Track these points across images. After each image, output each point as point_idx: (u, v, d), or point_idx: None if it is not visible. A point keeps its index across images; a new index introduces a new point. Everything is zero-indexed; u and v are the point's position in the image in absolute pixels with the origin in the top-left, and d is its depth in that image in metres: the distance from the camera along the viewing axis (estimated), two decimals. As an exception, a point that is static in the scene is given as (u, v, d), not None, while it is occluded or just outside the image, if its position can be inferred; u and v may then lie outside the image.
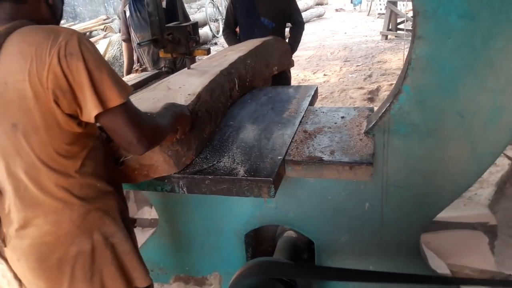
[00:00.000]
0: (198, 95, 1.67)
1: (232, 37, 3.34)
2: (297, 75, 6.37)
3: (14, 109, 1.03)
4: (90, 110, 1.04)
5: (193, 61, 2.21)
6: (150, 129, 1.16)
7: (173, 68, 2.97)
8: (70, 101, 1.04)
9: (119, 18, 3.54)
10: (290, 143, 1.60)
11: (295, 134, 1.68)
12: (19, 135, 1.05)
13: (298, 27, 3.31)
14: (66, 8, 9.50)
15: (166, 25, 1.93)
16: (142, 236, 2.50)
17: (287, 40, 3.24)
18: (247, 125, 1.83)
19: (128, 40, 3.42)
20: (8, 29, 1.03)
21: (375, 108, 1.85)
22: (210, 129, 1.72)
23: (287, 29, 3.44)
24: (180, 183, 1.46)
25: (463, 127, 1.43)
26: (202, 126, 1.63)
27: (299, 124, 1.77)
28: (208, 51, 2.06)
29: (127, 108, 1.09)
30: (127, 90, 1.09)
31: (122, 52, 6.14)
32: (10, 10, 1.08)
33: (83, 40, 1.03)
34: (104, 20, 9.58)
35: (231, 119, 1.91)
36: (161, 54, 2.08)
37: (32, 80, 1.00)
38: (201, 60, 2.52)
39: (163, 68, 2.62)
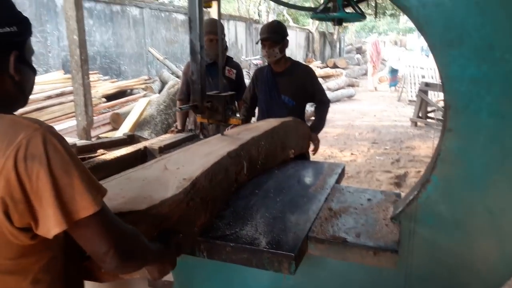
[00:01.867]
0: (194, 182, 1.46)
1: (243, 111, 3.33)
2: (324, 151, 6.44)
3: None
4: (50, 227, 0.85)
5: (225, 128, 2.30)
6: (129, 239, 1.00)
7: None
8: (23, 213, 0.85)
9: (188, 79, 3.60)
10: (315, 219, 1.60)
11: (320, 210, 1.68)
12: None
13: (323, 105, 3.27)
14: (112, 65, 10.18)
15: (207, 93, 2.04)
16: (153, 297, 2.45)
17: (313, 119, 3.27)
18: (273, 196, 1.85)
19: (185, 100, 3.52)
20: None
21: (402, 194, 1.85)
22: (204, 219, 1.51)
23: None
24: (201, 246, 1.47)
25: (491, 224, 1.41)
26: (192, 218, 1.43)
27: (325, 201, 1.78)
28: (242, 121, 2.15)
29: (102, 216, 0.91)
30: (102, 192, 0.93)
31: (159, 112, 6.45)
32: None
33: (49, 137, 0.85)
34: (146, 80, 10.15)
35: (257, 187, 1.94)
36: (198, 119, 2.19)
37: None
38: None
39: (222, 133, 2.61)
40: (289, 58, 3.17)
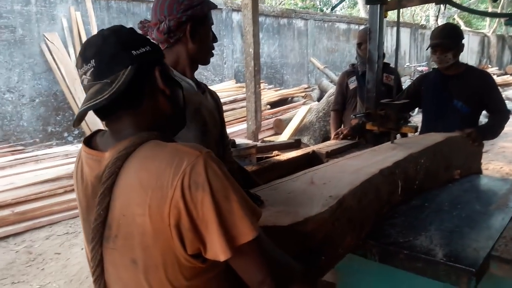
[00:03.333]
0: (341, 200, 1.37)
1: None
2: (501, 167, 5.71)
3: (134, 244, 0.90)
4: (217, 253, 0.86)
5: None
6: (282, 266, 0.99)
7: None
8: (193, 240, 0.87)
9: (342, 89, 3.64)
10: (498, 238, 1.49)
11: (504, 229, 1.55)
12: (139, 272, 0.92)
13: (498, 114, 2.84)
14: (276, 75, 10.86)
15: (380, 101, 2.07)
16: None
17: (484, 123, 2.88)
18: (447, 209, 1.78)
19: (340, 110, 3.61)
20: (127, 149, 0.90)
21: None
22: (349, 242, 1.41)
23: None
24: (373, 250, 1.51)
25: None
26: (337, 239, 1.34)
27: (510, 220, 1.63)
28: (416, 129, 2.11)
29: (258, 242, 0.89)
30: (257, 215, 0.92)
31: (318, 119, 6.66)
32: (128, 118, 0.97)
33: (210, 163, 0.87)
34: (305, 88, 10.56)
35: (428, 201, 1.88)
36: (368, 126, 2.24)
37: (152, 215, 0.86)
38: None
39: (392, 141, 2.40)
40: (463, 63, 2.88)
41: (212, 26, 1.57)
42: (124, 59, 0.93)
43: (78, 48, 6.74)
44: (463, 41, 2.86)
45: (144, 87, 0.97)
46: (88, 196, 0.98)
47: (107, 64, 0.93)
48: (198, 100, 1.52)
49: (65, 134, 7.25)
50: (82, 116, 0.93)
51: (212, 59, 1.63)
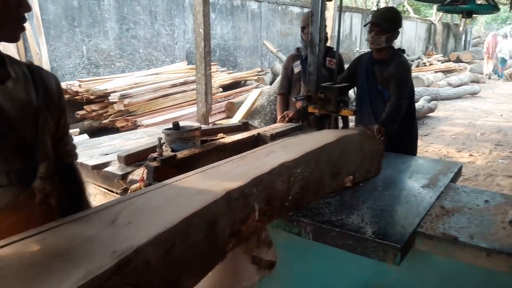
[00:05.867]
0: (127, 258, 0.84)
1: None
2: (439, 150, 6.04)
3: None
4: None
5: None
6: None
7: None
8: None
9: (289, 73, 3.63)
10: (425, 215, 1.57)
11: (431, 207, 1.64)
12: None
13: (392, 102, 2.68)
14: (229, 57, 10.75)
15: (321, 84, 2.11)
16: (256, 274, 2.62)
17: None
18: (381, 189, 1.86)
19: (285, 94, 3.63)
20: None
21: (527, 199, 1.70)
22: None
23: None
24: (307, 228, 1.55)
25: None
26: None
27: (437, 199, 1.73)
28: (354, 112, 2.17)
29: None
30: None
31: (269, 102, 6.68)
32: None
33: None
34: (258, 72, 10.55)
35: (364, 181, 1.95)
36: (310, 109, 2.27)
37: None
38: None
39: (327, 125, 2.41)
40: (393, 48, 2.85)
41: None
42: None
43: None
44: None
45: None
46: None
47: None
48: None
49: None
50: None
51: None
